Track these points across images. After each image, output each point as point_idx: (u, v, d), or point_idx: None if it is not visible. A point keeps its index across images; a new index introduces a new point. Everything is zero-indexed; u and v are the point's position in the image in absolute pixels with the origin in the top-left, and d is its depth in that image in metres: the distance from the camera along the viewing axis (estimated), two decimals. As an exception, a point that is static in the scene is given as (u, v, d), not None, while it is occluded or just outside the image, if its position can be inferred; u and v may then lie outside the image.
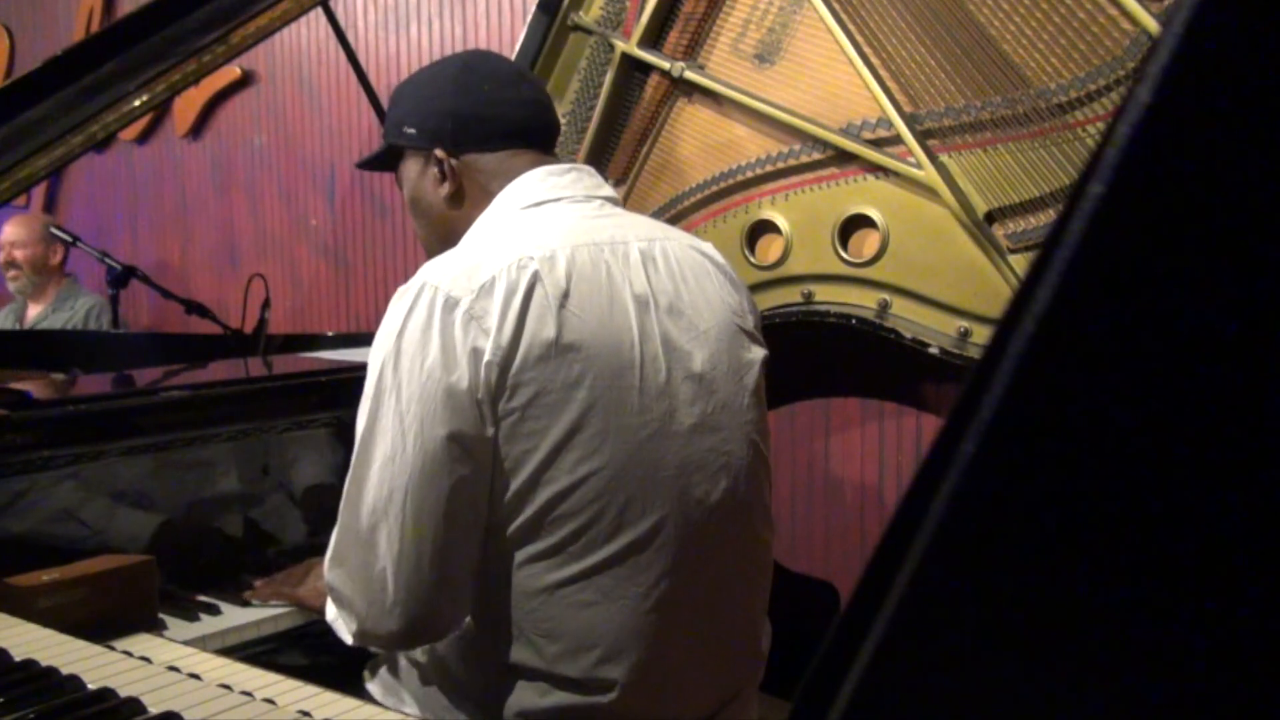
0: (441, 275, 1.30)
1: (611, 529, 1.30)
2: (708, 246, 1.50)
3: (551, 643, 1.31)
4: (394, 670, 1.49)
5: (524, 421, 1.27)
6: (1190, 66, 0.31)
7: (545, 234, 1.36)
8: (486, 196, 1.46)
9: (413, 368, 1.27)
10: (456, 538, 1.28)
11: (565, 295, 1.30)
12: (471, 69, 1.49)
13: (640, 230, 1.43)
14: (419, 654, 1.44)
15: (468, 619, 1.36)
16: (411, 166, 1.53)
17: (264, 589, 1.67)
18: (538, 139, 1.49)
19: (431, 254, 1.47)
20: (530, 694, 1.33)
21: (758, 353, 1.45)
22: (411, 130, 1.50)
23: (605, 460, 1.29)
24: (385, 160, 1.59)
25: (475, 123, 1.47)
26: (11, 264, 3.66)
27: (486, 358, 1.26)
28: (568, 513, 1.29)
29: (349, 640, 1.36)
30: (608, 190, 1.49)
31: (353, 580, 1.31)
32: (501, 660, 1.34)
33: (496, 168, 1.47)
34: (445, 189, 1.49)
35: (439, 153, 1.48)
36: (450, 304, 1.27)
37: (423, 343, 1.27)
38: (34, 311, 3.70)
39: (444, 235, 1.50)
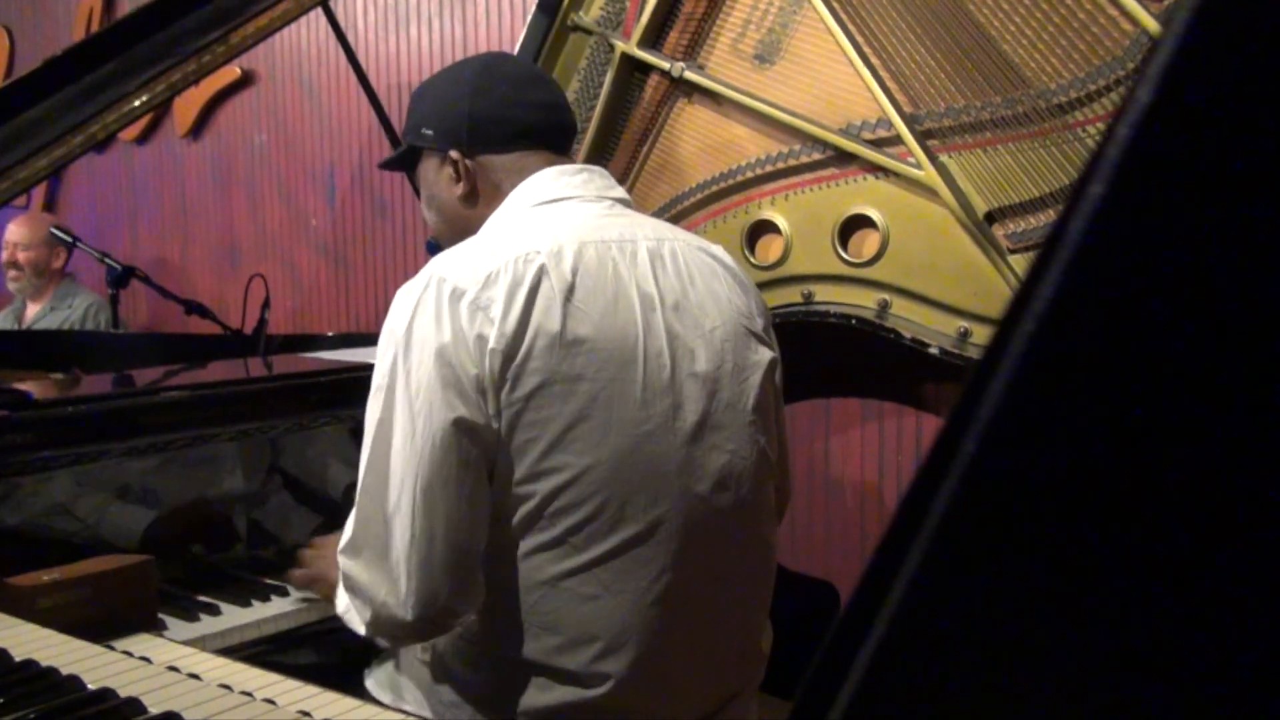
0: (448, 268, 1.33)
1: (612, 522, 1.31)
2: (718, 249, 1.51)
3: (553, 635, 1.32)
4: (395, 669, 1.49)
5: (527, 412, 1.29)
6: (1190, 66, 0.31)
7: (553, 230, 1.38)
8: (500, 195, 1.49)
9: (422, 355, 1.29)
10: (464, 527, 1.29)
11: (571, 290, 1.32)
12: (489, 72, 1.52)
13: (649, 230, 1.45)
14: (421, 652, 1.44)
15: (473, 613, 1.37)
16: (429, 166, 1.56)
17: (301, 575, 1.64)
18: (552, 140, 1.52)
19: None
20: (532, 690, 1.34)
21: (765, 354, 1.46)
22: (429, 132, 1.53)
23: (607, 454, 1.31)
24: (405, 160, 1.62)
25: (491, 125, 1.49)
26: (14, 264, 3.66)
27: (490, 345, 1.28)
28: (569, 505, 1.31)
29: (361, 631, 1.36)
30: (619, 191, 1.50)
31: (368, 570, 1.32)
32: (504, 654, 1.35)
33: (510, 167, 1.49)
34: (460, 189, 1.52)
35: (454, 154, 1.51)
36: (457, 294, 1.30)
37: (434, 331, 1.29)
38: (32, 311, 3.70)
39: (459, 232, 1.53)
